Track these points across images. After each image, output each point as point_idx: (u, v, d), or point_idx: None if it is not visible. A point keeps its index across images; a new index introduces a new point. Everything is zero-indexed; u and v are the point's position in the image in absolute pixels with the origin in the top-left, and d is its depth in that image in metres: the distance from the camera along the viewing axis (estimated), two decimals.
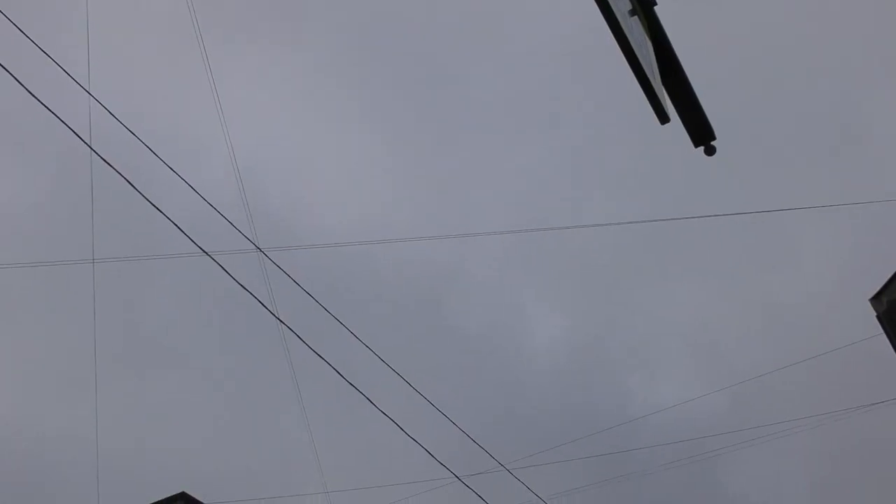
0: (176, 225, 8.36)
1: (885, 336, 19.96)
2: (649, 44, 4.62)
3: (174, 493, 31.41)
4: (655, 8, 4.78)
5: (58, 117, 7.45)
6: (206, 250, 8.73)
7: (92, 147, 8.07)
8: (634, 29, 4.30)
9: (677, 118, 4.89)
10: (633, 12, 4.43)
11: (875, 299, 20.18)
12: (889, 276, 20.03)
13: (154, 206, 8.18)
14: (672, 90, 4.82)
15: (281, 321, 9.60)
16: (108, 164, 7.98)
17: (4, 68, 7.07)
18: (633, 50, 4.02)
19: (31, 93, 7.25)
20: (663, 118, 4.35)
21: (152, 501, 31.43)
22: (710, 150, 5.05)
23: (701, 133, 5.01)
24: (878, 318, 20.14)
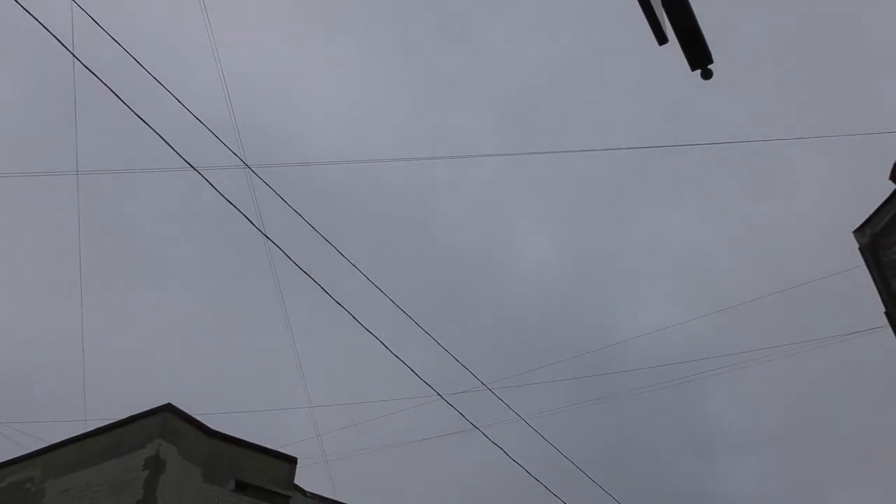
0: (162, 137, 8.25)
1: (865, 268, 20.20)
2: None
3: (160, 404, 31.85)
4: None
5: (40, 23, 7.25)
6: (192, 164, 8.64)
7: (75, 55, 7.88)
8: None
9: (675, 40, 4.83)
10: None
11: (858, 231, 20.37)
12: (874, 209, 20.13)
13: (139, 117, 8.05)
14: (672, 12, 4.74)
15: (267, 237, 9.58)
16: (92, 73, 7.81)
17: None
18: None
19: None
20: (661, 39, 4.29)
21: (138, 412, 31.93)
22: (707, 74, 4.99)
23: (698, 56, 4.94)
24: (861, 250, 20.37)
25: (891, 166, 20.58)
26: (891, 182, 20.44)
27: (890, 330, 21.73)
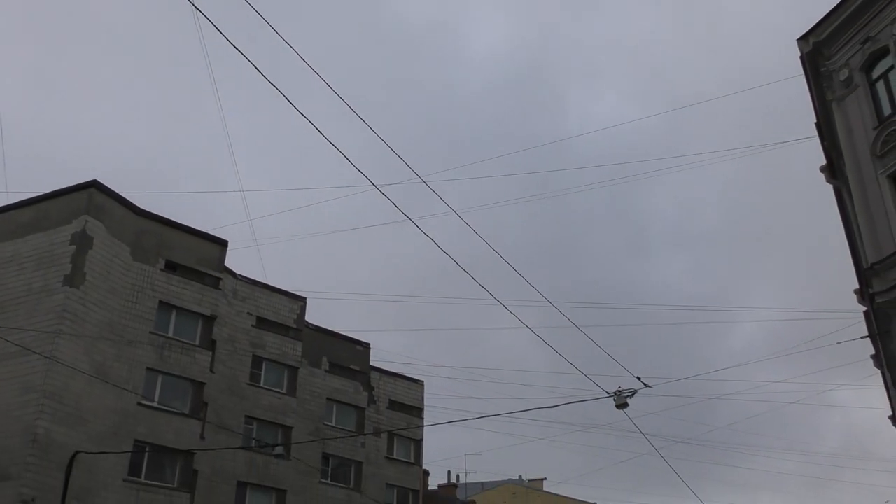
0: None
1: (804, 77, 20.53)
2: None
3: (85, 180, 31.51)
4: None
5: None
6: None
7: None
8: None
9: None
10: None
11: (802, 40, 20.51)
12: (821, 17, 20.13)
13: None
14: None
15: (195, 6, 9.27)
16: None
17: None
18: None
19: None
20: None
21: (62, 187, 31.61)
22: None
23: None
24: (801, 58, 20.62)
25: None
26: None
27: (818, 140, 22.54)
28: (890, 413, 23.40)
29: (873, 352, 23.10)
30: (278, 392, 36.72)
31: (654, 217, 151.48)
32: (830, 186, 22.62)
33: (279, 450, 35.51)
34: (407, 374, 44.14)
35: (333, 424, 39.00)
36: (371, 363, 42.17)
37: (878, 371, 22.98)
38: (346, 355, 40.90)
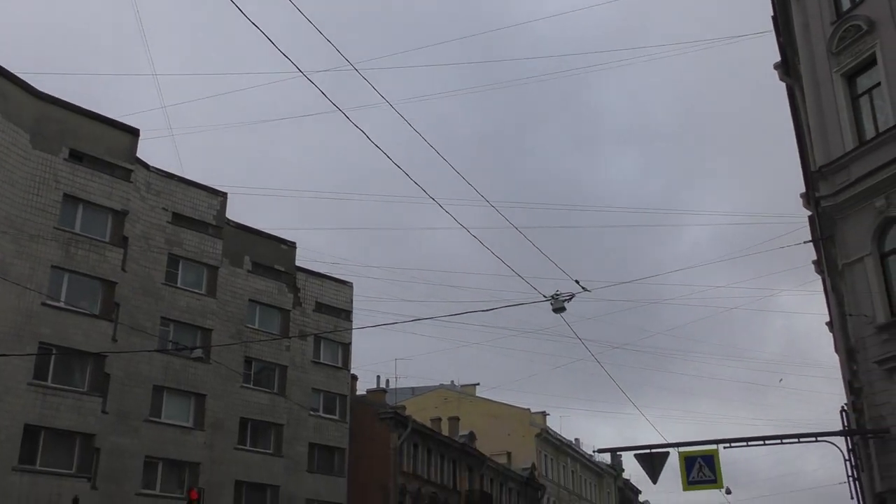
0: None
1: None
2: None
3: None
4: None
5: None
6: None
7: None
8: None
9: None
10: None
11: None
12: None
13: None
14: None
15: None
16: None
17: None
18: None
19: None
20: None
21: None
22: None
23: None
24: None
25: None
26: None
27: (774, 35, 22.52)
28: (828, 319, 24.34)
29: (815, 257, 23.80)
30: (197, 293, 36.34)
31: (605, 112, 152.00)
32: (784, 85, 22.75)
33: (198, 353, 35.45)
34: (335, 276, 44.15)
35: (256, 327, 38.94)
36: (297, 263, 41.96)
37: (820, 277, 23.74)
38: (271, 255, 40.55)
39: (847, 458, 18.87)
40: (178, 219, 36.10)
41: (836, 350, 22.59)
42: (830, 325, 24.13)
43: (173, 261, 35.65)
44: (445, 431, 51.83)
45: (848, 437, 18.85)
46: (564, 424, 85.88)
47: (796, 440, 17.88)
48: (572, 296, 18.52)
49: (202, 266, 36.92)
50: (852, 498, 19.06)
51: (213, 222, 37.57)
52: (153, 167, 35.56)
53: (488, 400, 63.99)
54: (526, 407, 64.76)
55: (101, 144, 32.73)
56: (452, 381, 66.13)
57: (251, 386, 38.09)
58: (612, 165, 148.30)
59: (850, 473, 18.93)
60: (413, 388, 60.89)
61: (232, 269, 38.19)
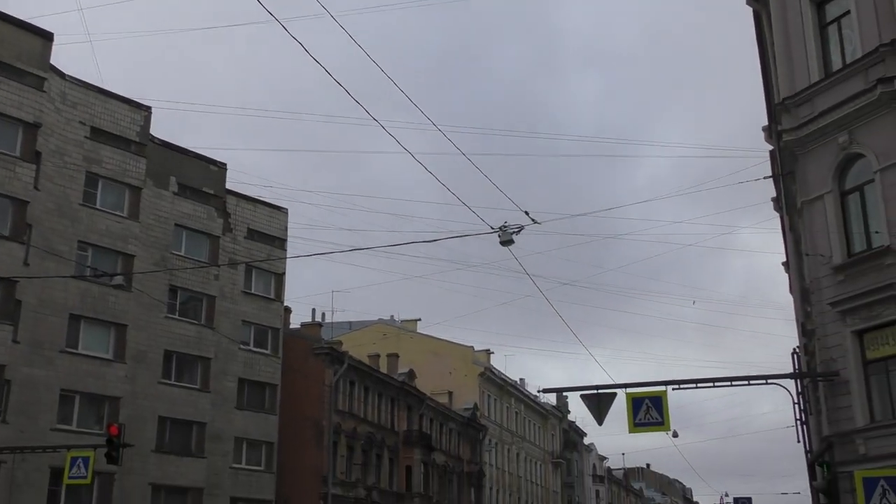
0: None
1: None
2: None
3: None
4: None
5: None
6: None
7: None
8: None
9: None
10: None
11: None
12: None
13: None
14: None
15: None
16: None
17: None
18: None
19: None
20: None
21: None
22: None
23: None
24: None
25: None
26: None
27: None
28: (785, 259, 24.77)
29: (775, 194, 24.08)
30: (118, 215, 35.57)
31: (567, 32, 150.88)
32: (752, 11, 22.65)
33: (118, 280, 34.85)
34: (269, 200, 43.59)
35: (182, 254, 38.39)
36: (228, 186, 41.26)
37: (778, 215, 24.05)
38: (199, 176, 39.77)
39: (796, 401, 19.42)
40: (97, 134, 35.06)
41: (791, 291, 23.05)
42: (787, 265, 24.57)
43: (92, 180, 34.73)
44: (384, 368, 52.15)
45: (798, 380, 19.36)
46: (510, 364, 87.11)
47: (746, 382, 18.31)
48: (521, 228, 18.50)
49: (123, 186, 36.05)
50: (799, 441, 19.67)
51: (136, 139, 36.60)
52: (69, 76, 34.35)
53: (430, 336, 64.41)
54: (469, 345, 65.40)
55: (10, 49, 31.45)
56: (392, 316, 66.37)
57: (176, 317, 37.69)
58: (574, 89, 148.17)
59: (798, 417, 19.50)
60: (350, 323, 60.94)
61: (156, 190, 37.40)
